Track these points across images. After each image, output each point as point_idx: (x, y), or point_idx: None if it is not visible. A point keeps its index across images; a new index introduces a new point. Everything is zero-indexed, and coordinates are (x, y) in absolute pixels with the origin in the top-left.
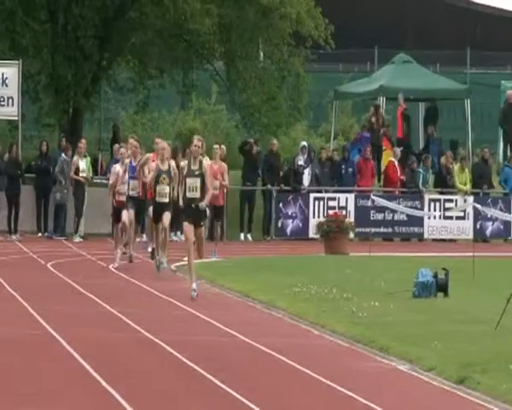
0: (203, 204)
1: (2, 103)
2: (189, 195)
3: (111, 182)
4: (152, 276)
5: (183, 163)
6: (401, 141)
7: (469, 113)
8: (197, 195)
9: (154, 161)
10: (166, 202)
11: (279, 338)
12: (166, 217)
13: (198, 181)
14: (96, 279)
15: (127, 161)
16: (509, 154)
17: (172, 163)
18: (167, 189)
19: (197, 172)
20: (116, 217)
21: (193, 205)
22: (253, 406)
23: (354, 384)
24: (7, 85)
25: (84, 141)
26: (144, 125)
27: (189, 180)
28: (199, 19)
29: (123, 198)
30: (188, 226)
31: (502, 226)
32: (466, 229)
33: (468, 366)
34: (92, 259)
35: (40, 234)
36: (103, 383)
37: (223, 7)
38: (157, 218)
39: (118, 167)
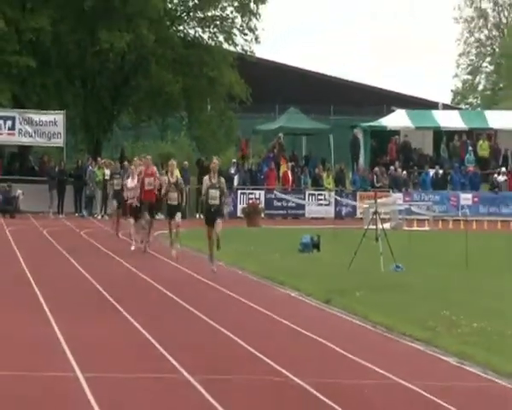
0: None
1: (54, 136)
2: (210, 202)
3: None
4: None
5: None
6: (292, 158)
7: (332, 142)
8: (217, 202)
9: (146, 172)
10: (176, 205)
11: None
12: (178, 216)
13: (218, 192)
14: (110, 242)
15: (176, 174)
16: (355, 167)
17: (178, 174)
18: (176, 194)
19: (217, 185)
20: (130, 213)
21: (212, 209)
22: None
23: (271, 308)
24: (56, 125)
25: (106, 160)
26: (138, 149)
27: (211, 191)
28: (171, 85)
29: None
30: (208, 228)
31: (351, 209)
32: (330, 211)
33: (332, 292)
34: (106, 229)
35: (76, 214)
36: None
37: (186, 77)
38: (171, 216)
39: (130, 180)
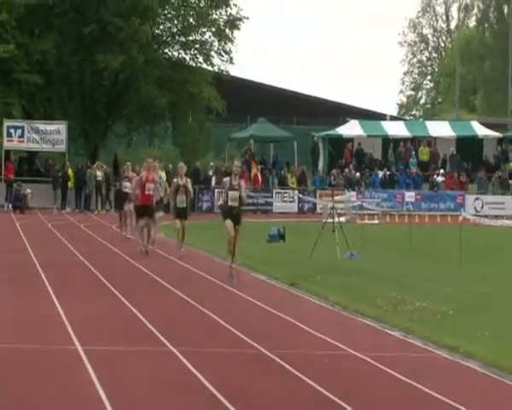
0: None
1: (58, 143)
2: (230, 203)
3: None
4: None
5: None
6: (261, 161)
7: (295, 148)
8: (236, 203)
9: (147, 177)
10: (184, 207)
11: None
12: (184, 219)
13: (237, 193)
14: (105, 234)
15: (160, 174)
16: (315, 169)
17: (163, 175)
18: (184, 197)
19: (237, 187)
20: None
21: (234, 211)
22: None
23: (243, 290)
24: (60, 134)
25: (98, 162)
26: (129, 154)
27: (231, 193)
28: (158, 99)
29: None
30: (229, 223)
31: (312, 206)
32: (294, 207)
33: (296, 277)
34: (103, 223)
35: (77, 210)
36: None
37: (170, 93)
38: (180, 218)
39: (128, 184)
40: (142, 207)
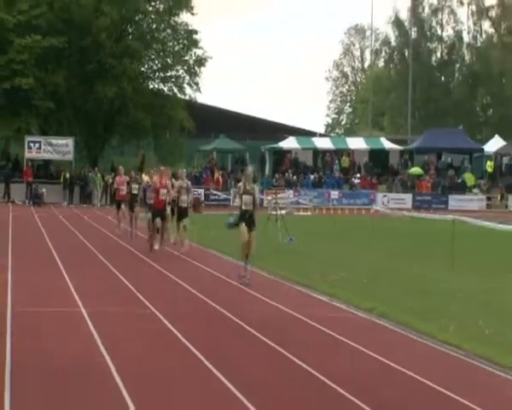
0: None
1: (66, 154)
2: (244, 207)
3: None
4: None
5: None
6: (221, 169)
7: (248, 157)
8: (250, 207)
9: (160, 182)
10: (185, 207)
11: None
12: (186, 219)
13: (251, 198)
14: (106, 223)
15: (173, 182)
16: (263, 174)
17: (148, 179)
18: (186, 197)
19: (251, 192)
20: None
21: (247, 215)
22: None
23: (207, 265)
24: (68, 147)
25: (96, 169)
26: (121, 162)
27: (244, 197)
28: (143, 121)
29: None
30: (244, 228)
31: (260, 201)
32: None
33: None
34: (100, 214)
35: (81, 204)
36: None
37: (153, 116)
38: (181, 217)
39: (135, 186)
40: (156, 212)
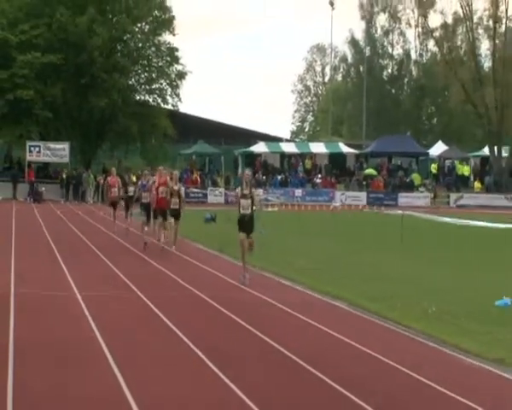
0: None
1: (63, 157)
2: (242, 211)
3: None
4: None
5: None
6: (199, 170)
7: (223, 160)
8: (248, 211)
9: (159, 181)
10: (177, 208)
11: None
12: (177, 218)
13: (249, 201)
14: (98, 218)
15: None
16: (236, 174)
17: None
18: (177, 200)
19: (249, 196)
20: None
21: (245, 219)
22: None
23: (186, 254)
24: (64, 151)
25: (89, 170)
26: (112, 164)
27: (242, 201)
28: (131, 128)
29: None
30: (242, 235)
31: (234, 199)
32: (221, 200)
33: (223, 245)
34: (92, 209)
35: (76, 201)
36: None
37: (139, 124)
38: (174, 217)
39: (132, 188)
40: (158, 210)
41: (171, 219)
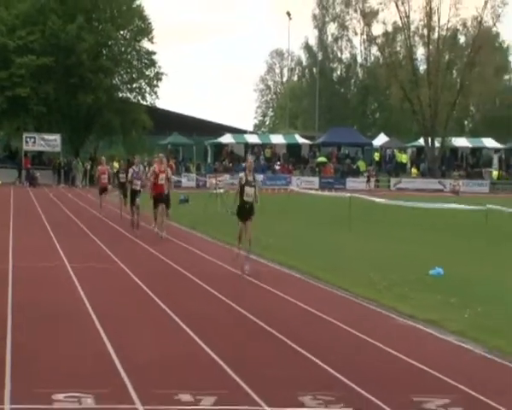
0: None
1: (55, 146)
2: (245, 198)
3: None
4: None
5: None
6: (174, 158)
7: (194, 150)
8: (251, 199)
9: (159, 169)
10: (167, 194)
11: None
12: (164, 203)
13: (253, 189)
14: (87, 200)
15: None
16: (206, 162)
17: (169, 170)
18: (166, 186)
19: (253, 183)
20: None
21: (246, 206)
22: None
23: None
24: (56, 141)
25: (78, 158)
26: (98, 153)
27: (247, 188)
28: (114, 121)
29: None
30: (241, 224)
31: (204, 183)
32: (193, 184)
33: (195, 223)
34: (81, 192)
35: (66, 185)
36: None
37: (121, 118)
38: (159, 203)
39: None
40: (157, 195)
41: (163, 205)
